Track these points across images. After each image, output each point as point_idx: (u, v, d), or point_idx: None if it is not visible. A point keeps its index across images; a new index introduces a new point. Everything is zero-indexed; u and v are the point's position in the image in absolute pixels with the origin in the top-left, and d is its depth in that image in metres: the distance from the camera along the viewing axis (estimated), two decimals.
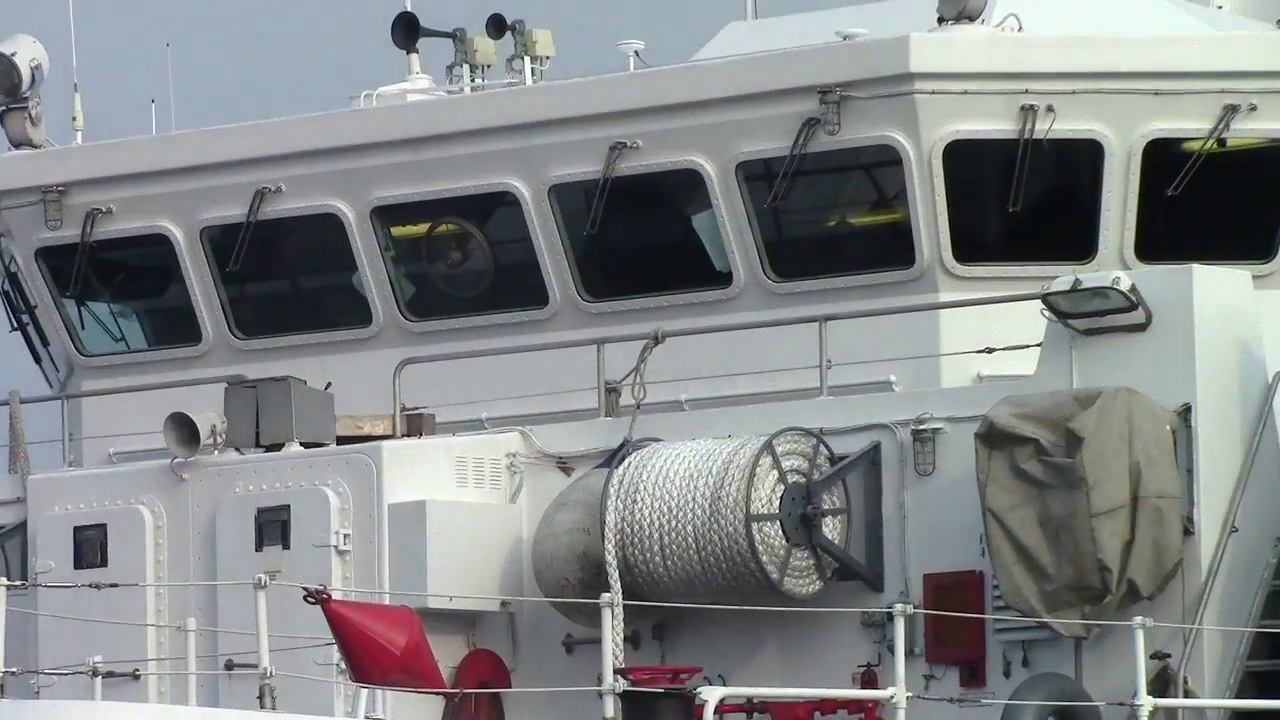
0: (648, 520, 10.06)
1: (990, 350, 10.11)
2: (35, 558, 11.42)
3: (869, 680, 9.60)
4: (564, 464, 10.81)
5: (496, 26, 13.09)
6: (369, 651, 8.45)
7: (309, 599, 7.97)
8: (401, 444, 10.91)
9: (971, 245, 11.03)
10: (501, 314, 12.13)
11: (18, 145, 13.63)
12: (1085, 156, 11.02)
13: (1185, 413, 9.46)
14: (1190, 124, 11.07)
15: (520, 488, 11.01)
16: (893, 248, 11.29)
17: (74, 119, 13.30)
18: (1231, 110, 11.06)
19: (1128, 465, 9.16)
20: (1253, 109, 11.13)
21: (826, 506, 9.75)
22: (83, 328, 14.00)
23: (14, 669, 8.03)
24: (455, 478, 10.82)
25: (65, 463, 12.78)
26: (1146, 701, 8.25)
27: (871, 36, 11.59)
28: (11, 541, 11.86)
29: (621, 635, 9.07)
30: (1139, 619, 8.41)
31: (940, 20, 11.08)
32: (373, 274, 12.52)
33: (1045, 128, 10.93)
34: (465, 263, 12.44)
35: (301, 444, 10.76)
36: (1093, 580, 9.04)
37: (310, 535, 10.22)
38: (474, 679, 10.01)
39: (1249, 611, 9.23)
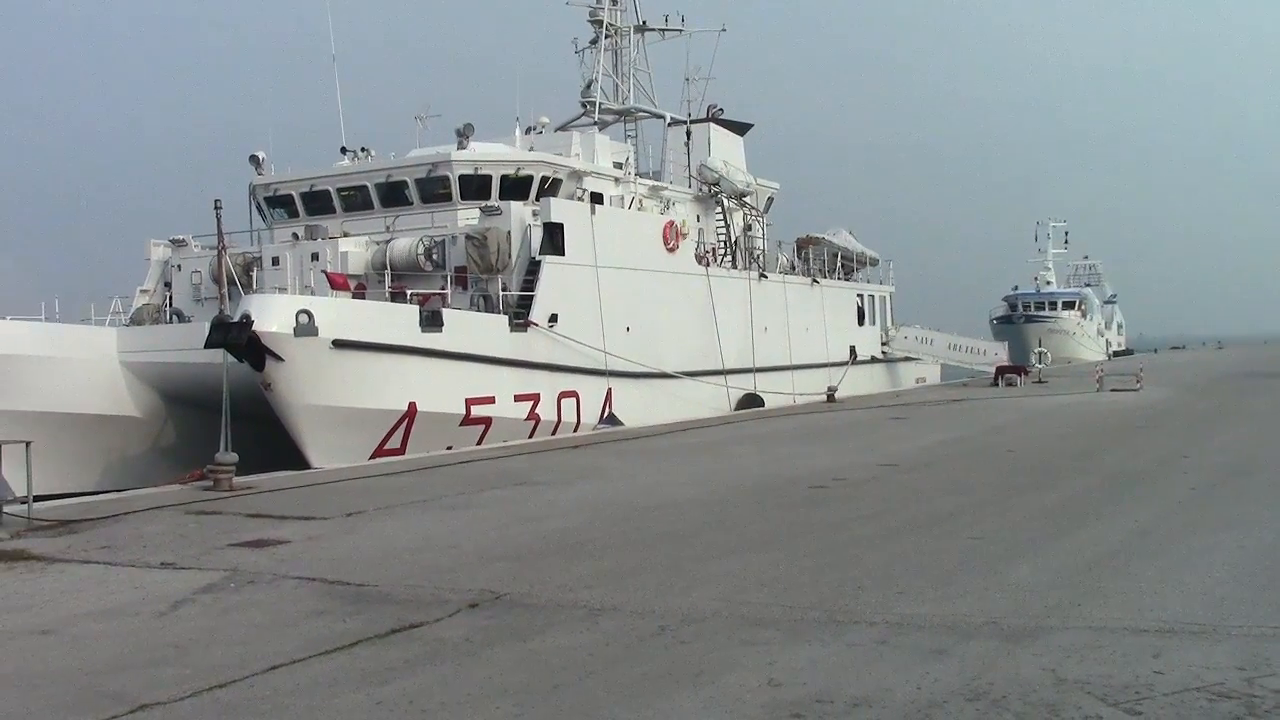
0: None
1: None
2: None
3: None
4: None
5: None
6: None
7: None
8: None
9: (468, 195, 33.93)
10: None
11: (259, 173, 36.21)
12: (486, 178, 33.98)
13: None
14: (514, 170, 34.16)
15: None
16: (443, 196, 34.07)
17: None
18: (520, 166, 34.29)
19: None
20: (522, 170, 34.27)
21: None
22: (272, 218, 36.71)
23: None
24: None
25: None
26: None
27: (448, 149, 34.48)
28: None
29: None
30: None
31: (459, 146, 34.11)
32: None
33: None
34: None
35: None
36: None
37: None
38: None
39: None
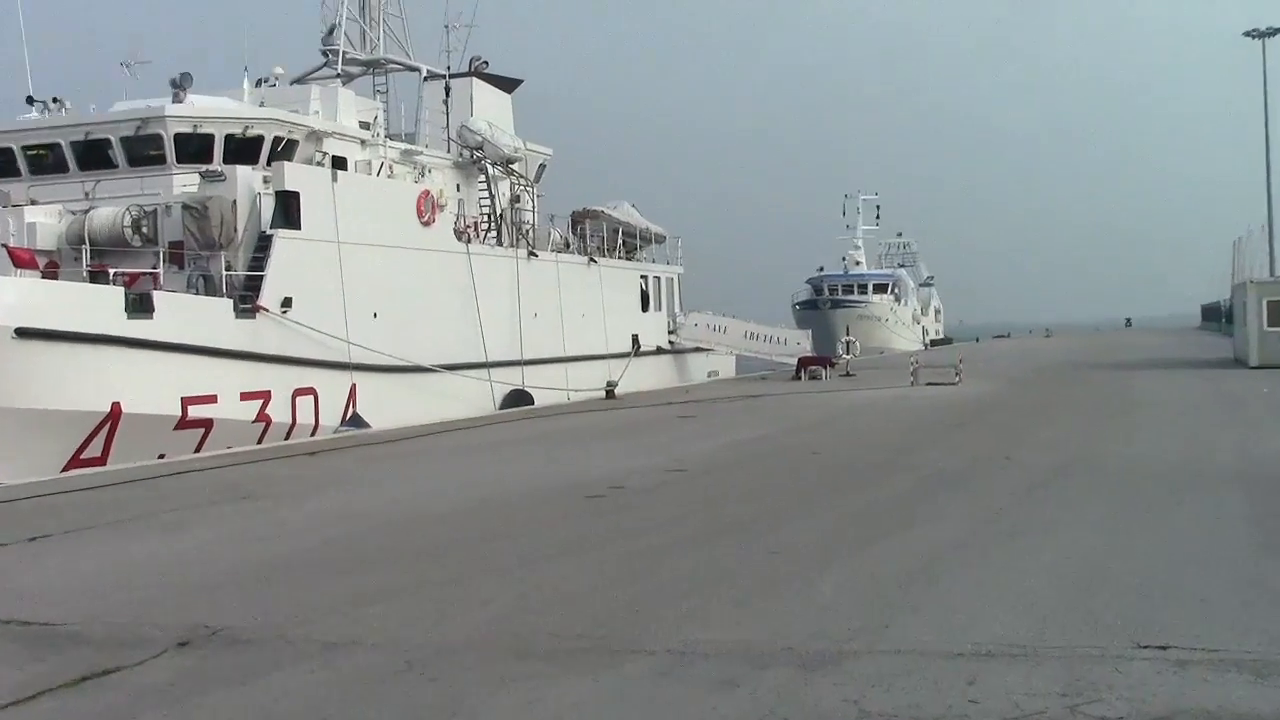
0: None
1: None
2: None
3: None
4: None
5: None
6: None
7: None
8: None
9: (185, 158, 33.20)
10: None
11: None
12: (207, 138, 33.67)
13: None
14: (242, 129, 33.69)
15: None
16: (155, 158, 33.30)
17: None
18: (249, 124, 33.63)
19: None
20: (251, 128, 33.86)
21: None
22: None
23: None
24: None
25: None
26: None
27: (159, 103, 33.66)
28: None
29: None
30: None
31: (175, 100, 33.19)
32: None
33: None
34: None
35: None
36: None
37: None
38: None
39: None
